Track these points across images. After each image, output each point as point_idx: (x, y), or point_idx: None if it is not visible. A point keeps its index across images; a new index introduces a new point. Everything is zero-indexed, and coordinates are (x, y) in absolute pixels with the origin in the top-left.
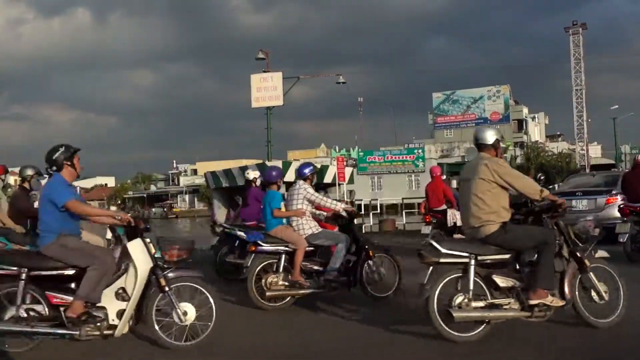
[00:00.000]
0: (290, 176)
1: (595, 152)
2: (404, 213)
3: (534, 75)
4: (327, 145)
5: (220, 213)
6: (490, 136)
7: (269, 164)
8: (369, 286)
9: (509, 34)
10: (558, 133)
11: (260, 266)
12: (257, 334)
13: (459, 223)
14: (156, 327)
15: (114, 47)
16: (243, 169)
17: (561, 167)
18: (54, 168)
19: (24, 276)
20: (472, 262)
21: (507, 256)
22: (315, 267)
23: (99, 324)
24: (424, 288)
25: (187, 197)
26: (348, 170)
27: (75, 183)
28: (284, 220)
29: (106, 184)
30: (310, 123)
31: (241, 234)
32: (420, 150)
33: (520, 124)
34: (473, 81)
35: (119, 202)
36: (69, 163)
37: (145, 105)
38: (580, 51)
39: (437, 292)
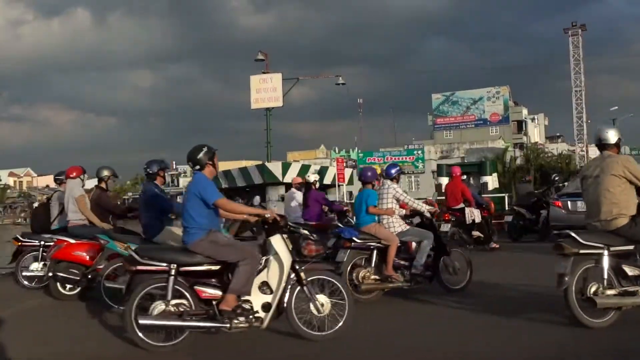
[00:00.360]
0: (289, 177)
1: (595, 153)
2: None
3: (534, 77)
4: (327, 146)
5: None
6: (613, 136)
7: (268, 165)
8: (444, 279)
9: (508, 35)
10: (558, 134)
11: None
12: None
13: (477, 220)
14: (296, 319)
15: (114, 47)
16: (243, 170)
17: (561, 168)
18: (197, 167)
19: (173, 272)
20: (606, 252)
21: (631, 247)
22: (402, 262)
23: (250, 316)
24: (563, 278)
25: None
26: (348, 172)
27: None
28: (377, 218)
29: None
30: (309, 124)
31: (305, 232)
32: (419, 152)
33: (520, 125)
34: (472, 82)
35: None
36: (210, 162)
37: (144, 106)
38: (579, 52)
39: (574, 281)
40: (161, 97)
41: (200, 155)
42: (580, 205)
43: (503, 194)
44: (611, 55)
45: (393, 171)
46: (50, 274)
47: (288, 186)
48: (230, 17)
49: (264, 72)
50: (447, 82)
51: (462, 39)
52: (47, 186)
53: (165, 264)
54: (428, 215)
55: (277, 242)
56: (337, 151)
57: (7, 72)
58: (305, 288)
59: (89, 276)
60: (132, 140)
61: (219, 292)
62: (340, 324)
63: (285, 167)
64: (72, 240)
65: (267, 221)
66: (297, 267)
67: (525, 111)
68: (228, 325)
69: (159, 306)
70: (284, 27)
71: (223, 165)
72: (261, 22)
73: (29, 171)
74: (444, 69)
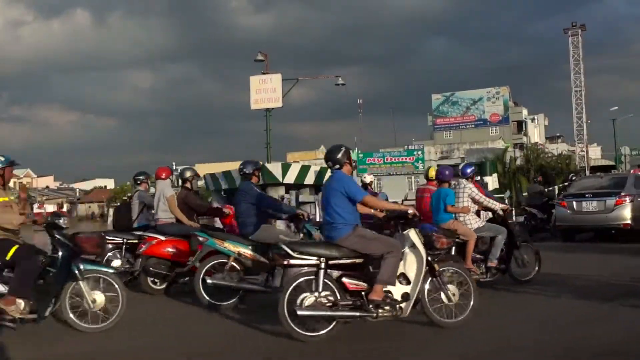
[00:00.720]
0: (290, 178)
1: (595, 154)
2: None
3: (534, 77)
4: (327, 146)
5: None
6: None
7: (268, 165)
8: (514, 272)
9: (508, 35)
10: (558, 134)
11: None
12: None
13: None
14: (429, 307)
15: (114, 48)
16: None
17: (561, 168)
18: (337, 166)
19: (323, 265)
20: None
21: None
22: (478, 256)
23: (396, 306)
24: None
25: None
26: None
27: (74, 185)
28: (454, 215)
29: (105, 186)
30: (309, 124)
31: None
32: (419, 152)
33: (520, 126)
34: (472, 82)
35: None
36: (348, 161)
37: (144, 107)
38: (579, 52)
39: None
40: (161, 97)
41: (340, 155)
42: (585, 206)
43: (502, 195)
44: (611, 55)
45: (469, 171)
46: (142, 269)
47: (288, 187)
48: (230, 17)
49: (263, 73)
50: (446, 82)
51: (462, 39)
52: (47, 187)
53: (315, 258)
54: (501, 212)
55: (414, 235)
56: None
57: (7, 73)
58: (437, 279)
59: (176, 272)
60: (131, 141)
61: (363, 284)
62: (468, 312)
63: (285, 168)
64: (162, 237)
65: (407, 216)
66: (430, 258)
67: (525, 111)
68: (374, 314)
69: (309, 298)
70: (284, 28)
71: (223, 166)
72: (261, 23)
73: (29, 172)
74: (443, 69)
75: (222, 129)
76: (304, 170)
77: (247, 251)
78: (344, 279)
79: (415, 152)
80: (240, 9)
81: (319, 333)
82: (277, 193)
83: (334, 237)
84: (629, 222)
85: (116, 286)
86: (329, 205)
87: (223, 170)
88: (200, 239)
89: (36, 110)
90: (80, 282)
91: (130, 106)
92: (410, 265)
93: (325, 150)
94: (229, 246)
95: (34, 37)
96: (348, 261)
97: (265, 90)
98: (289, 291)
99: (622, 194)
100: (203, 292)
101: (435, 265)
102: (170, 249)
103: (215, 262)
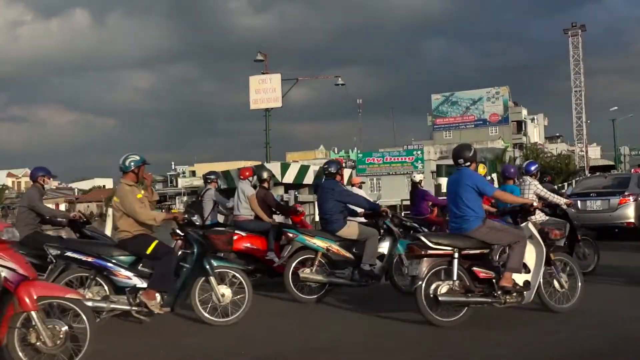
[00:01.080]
0: (289, 177)
1: (594, 154)
2: (402, 214)
3: (534, 77)
4: (326, 146)
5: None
6: None
7: (267, 165)
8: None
9: (508, 35)
10: (557, 134)
11: None
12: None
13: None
14: (545, 294)
15: (113, 48)
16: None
17: (560, 168)
18: (467, 163)
19: (456, 255)
20: None
21: None
22: None
23: (523, 293)
24: None
25: (185, 198)
26: (347, 172)
27: (73, 185)
28: None
29: (104, 186)
30: (309, 124)
31: (415, 225)
32: (419, 152)
33: (520, 126)
34: (472, 83)
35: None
36: (474, 159)
37: (143, 107)
38: (579, 53)
39: None
40: (160, 97)
41: (471, 153)
42: (589, 205)
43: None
44: (611, 55)
45: (533, 168)
46: None
47: (287, 186)
48: (230, 18)
49: (263, 73)
50: (446, 82)
51: (462, 39)
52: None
53: (450, 248)
54: (565, 207)
55: (532, 227)
56: (336, 151)
57: (7, 73)
58: (552, 267)
59: (255, 267)
60: (131, 141)
61: (492, 272)
62: (576, 298)
63: (285, 168)
64: (242, 233)
65: (529, 209)
66: (548, 249)
67: (524, 111)
68: (502, 300)
69: (444, 286)
70: (284, 28)
71: (222, 166)
72: (261, 23)
73: (28, 172)
74: (443, 70)
75: (221, 129)
76: (303, 170)
77: (335, 247)
78: (475, 268)
79: (414, 152)
80: (240, 9)
81: (452, 319)
82: (276, 193)
83: (465, 228)
84: (632, 220)
85: (243, 281)
86: (459, 199)
87: (222, 170)
88: (290, 235)
89: (35, 110)
90: (211, 277)
91: (130, 106)
92: (529, 255)
93: (324, 150)
94: (318, 242)
95: (33, 37)
96: (477, 251)
97: (265, 90)
98: (426, 279)
99: (626, 193)
100: (293, 287)
101: (551, 255)
102: (249, 245)
103: (302, 257)
